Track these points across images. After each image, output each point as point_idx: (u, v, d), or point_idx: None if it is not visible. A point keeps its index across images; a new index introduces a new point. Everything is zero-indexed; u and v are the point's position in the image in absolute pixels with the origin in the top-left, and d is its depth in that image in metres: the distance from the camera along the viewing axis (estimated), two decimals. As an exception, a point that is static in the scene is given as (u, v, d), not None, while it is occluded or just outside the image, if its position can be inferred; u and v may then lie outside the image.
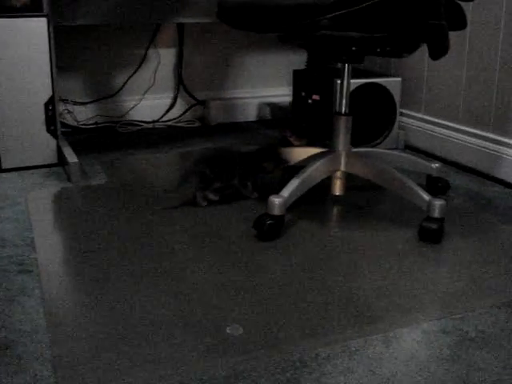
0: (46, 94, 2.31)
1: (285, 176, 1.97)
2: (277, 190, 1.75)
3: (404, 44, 1.80)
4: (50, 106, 2.32)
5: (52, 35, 2.32)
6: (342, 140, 1.92)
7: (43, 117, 2.32)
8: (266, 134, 2.88)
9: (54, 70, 2.35)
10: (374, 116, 2.57)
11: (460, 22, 1.84)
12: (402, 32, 1.69)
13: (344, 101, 1.95)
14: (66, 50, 2.77)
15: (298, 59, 3.15)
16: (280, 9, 1.60)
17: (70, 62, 2.82)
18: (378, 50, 1.82)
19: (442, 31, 1.67)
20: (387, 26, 1.66)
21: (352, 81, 2.45)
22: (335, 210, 1.95)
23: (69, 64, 2.81)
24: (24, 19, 2.22)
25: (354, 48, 1.83)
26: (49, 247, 1.68)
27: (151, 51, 2.94)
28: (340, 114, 1.94)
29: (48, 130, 2.34)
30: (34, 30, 2.25)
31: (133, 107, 2.95)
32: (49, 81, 2.30)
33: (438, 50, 1.70)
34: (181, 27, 2.94)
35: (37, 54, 2.26)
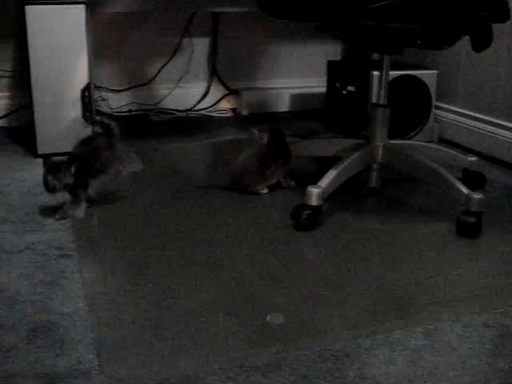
0: (83, 80, 2.32)
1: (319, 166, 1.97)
2: (311, 180, 1.75)
3: (445, 36, 1.78)
4: (86, 92, 2.33)
5: (89, 22, 2.33)
6: (379, 132, 1.91)
7: (79, 103, 2.33)
8: (299, 124, 2.87)
9: (91, 56, 2.35)
10: (409, 108, 2.54)
11: (503, 15, 1.81)
12: (444, 23, 1.67)
13: (382, 92, 1.93)
14: (100, 37, 2.77)
15: (332, 50, 3.14)
16: (324, -2, 1.60)
17: (105, 49, 2.83)
18: (419, 41, 1.81)
19: (487, 23, 1.65)
20: (430, 17, 1.64)
21: (388, 72, 2.43)
22: (372, 202, 1.94)
23: (103, 51, 2.82)
24: (63, 6, 2.23)
25: (394, 39, 1.82)
26: (87, 233, 1.69)
27: (185, 40, 2.94)
28: (378, 105, 1.93)
29: (84, 117, 2.35)
30: (72, 17, 2.25)
31: (166, 95, 2.96)
32: (85, 67, 2.31)
33: (482, 43, 1.68)
34: (215, 16, 2.94)
35: (74, 41, 2.27)
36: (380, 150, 1.91)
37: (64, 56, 2.27)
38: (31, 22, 2.21)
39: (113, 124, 1.86)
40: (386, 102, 1.94)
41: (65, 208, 1.77)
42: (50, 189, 1.73)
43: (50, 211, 1.79)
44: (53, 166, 1.73)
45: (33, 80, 2.26)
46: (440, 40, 1.81)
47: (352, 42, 2.00)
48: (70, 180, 1.73)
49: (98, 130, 1.94)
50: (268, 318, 1.28)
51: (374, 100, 1.98)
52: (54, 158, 1.78)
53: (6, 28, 2.65)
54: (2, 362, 1.14)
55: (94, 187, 1.80)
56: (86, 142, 1.87)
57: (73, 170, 1.73)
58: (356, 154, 1.84)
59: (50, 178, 1.72)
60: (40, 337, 1.22)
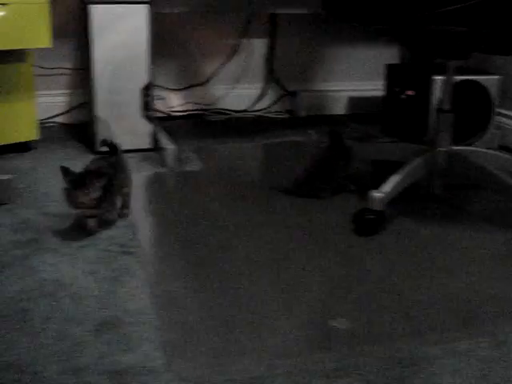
0: (144, 79, 2.34)
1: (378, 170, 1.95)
2: (370, 184, 1.73)
3: (514, 41, 1.75)
4: (146, 91, 2.35)
5: (151, 22, 2.35)
6: (443, 137, 1.89)
7: (139, 102, 2.36)
8: (355, 128, 2.85)
9: (152, 56, 2.37)
10: (470, 114, 2.50)
11: None
12: (514, 28, 1.64)
13: (447, 97, 1.90)
14: (159, 37, 2.80)
15: (390, 53, 3.10)
16: (395, 2, 1.58)
17: (164, 48, 2.85)
18: (486, 46, 1.78)
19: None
20: (500, 21, 1.61)
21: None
22: (433, 209, 1.91)
23: (162, 50, 2.84)
24: (127, 5, 2.26)
25: (460, 44, 1.79)
26: (149, 230, 1.71)
27: (244, 40, 2.95)
28: (442, 110, 1.90)
29: (144, 115, 2.37)
30: (136, 17, 2.28)
31: (223, 96, 2.97)
32: (147, 66, 2.33)
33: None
34: (274, 17, 2.94)
35: (137, 40, 2.30)
36: (443, 156, 1.88)
37: (126, 55, 2.30)
38: (95, 22, 2.24)
39: (120, 146, 1.80)
40: (450, 108, 1.91)
41: (101, 216, 1.68)
42: (75, 204, 1.60)
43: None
44: (77, 181, 1.59)
45: (95, 78, 2.30)
46: (508, 45, 1.77)
47: (416, 46, 1.98)
48: (97, 194, 1.59)
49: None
50: (333, 322, 1.27)
51: (437, 105, 1.95)
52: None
53: (67, 26, 2.69)
54: (70, 355, 1.16)
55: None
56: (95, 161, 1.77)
57: (101, 183, 1.60)
58: (419, 160, 1.81)
59: (77, 193, 1.58)
60: (106, 332, 1.23)
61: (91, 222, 1.66)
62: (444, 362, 1.16)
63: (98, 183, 1.59)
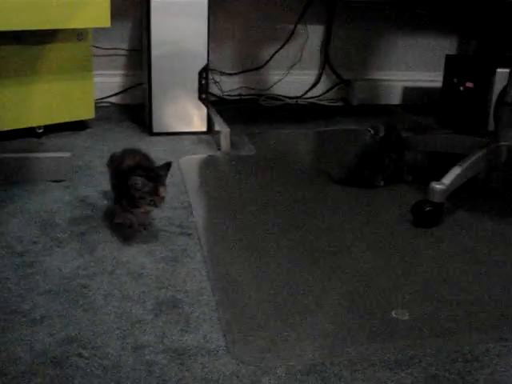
0: (201, 62, 2.34)
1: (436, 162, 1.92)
2: (427, 176, 1.71)
3: None
4: (203, 74, 2.35)
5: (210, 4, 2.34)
6: (506, 131, 1.85)
7: (196, 84, 2.36)
8: (410, 119, 2.81)
9: (209, 39, 2.36)
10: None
11: None
12: None
13: (511, 90, 1.86)
14: (216, 20, 2.79)
15: (448, 44, 3.05)
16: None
17: (220, 32, 2.84)
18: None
19: None
20: None
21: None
22: (493, 204, 1.87)
23: (218, 34, 2.83)
24: (187, -13, 2.26)
25: (529, 36, 1.75)
26: (206, 212, 1.71)
27: (300, 27, 2.93)
28: (506, 103, 1.86)
29: (199, 98, 2.37)
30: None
31: (277, 82, 2.95)
32: (205, 49, 2.33)
33: None
34: (331, 4, 2.91)
35: (196, 23, 2.29)
36: (505, 151, 1.84)
37: (185, 37, 2.30)
38: (155, 3, 2.24)
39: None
40: (515, 101, 1.87)
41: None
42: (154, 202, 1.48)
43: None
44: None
45: (153, 59, 2.30)
46: None
47: (484, 36, 1.94)
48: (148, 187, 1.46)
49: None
50: (393, 313, 1.26)
51: (499, 98, 1.91)
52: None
53: (124, 7, 2.70)
54: (130, 332, 1.16)
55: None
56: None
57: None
58: (481, 153, 1.78)
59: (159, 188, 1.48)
60: (166, 311, 1.23)
61: (145, 219, 1.59)
62: (508, 358, 1.14)
63: (165, 176, 1.50)
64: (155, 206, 1.48)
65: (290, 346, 1.14)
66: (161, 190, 1.47)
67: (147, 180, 1.45)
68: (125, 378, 1.04)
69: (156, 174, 1.48)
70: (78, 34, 2.26)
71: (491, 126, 2.34)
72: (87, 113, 2.36)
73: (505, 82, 1.95)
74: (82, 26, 2.17)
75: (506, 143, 1.84)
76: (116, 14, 2.56)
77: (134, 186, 1.44)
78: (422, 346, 1.16)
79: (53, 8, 1.98)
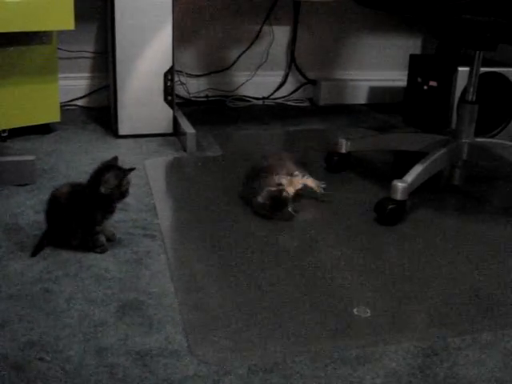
0: (167, 64, 2.34)
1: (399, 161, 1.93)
2: (392, 175, 1.73)
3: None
4: (168, 76, 2.35)
5: (175, 6, 2.34)
6: (466, 129, 1.87)
7: (161, 86, 2.35)
8: (376, 118, 2.84)
9: (174, 41, 2.36)
10: (492, 106, 2.48)
11: None
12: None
13: (472, 89, 1.89)
14: (181, 22, 2.79)
15: (412, 44, 3.09)
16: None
17: (185, 33, 2.84)
18: (513, 38, 1.76)
19: None
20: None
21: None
22: (454, 200, 1.90)
23: (183, 36, 2.83)
24: (151, -11, 2.26)
25: (488, 35, 1.77)
26: (170, 214, 1.71)
27: (265, 28, 2.93)
28: (467, 102, 1.89)
29: (165, 100, 2.37)
30: (160, 1, 2.27)
31: (244, 83, 2.96)
32: (170, 51, 2.33)
33: None
34: (296, 5, 2.92)
35: (160, 25, 2.29)
36: (466, 148, 1.87)
37: (149, 39, 2.29)
38: (119, 5, 2.24)
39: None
40: (474, 99, 1.89)
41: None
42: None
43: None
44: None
45: (118, 62, 2.29)
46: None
47: (443, 36, 1.96)
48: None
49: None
50: (355, 310, 1.27)
51: (461, 96, 1.94)
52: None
53: (88, 10, 2.68)
54: (93, 335, 1.16)
55: None
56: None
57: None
58: (442, 151, 1.80)
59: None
60: (129, 314, 1.23)
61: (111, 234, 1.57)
62: (467, 352, 1.16)
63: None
64: (123, 196, 1.48)
65: (253, 345, 1.15)
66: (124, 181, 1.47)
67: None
68: (86, 381, 1.04)
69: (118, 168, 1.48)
70: (43, 37, 2.24)
71: (454, 124, 2.37)
72: (53, 116, 2.34)
73: (466, 81, 1.98)
74: (46, 29, 2.15)
75: (466, 140, 1.87)
76: (81, 16, 2.54)
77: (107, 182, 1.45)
78: (382, 342, 1.18)
79: (15, 10, 1.96)
